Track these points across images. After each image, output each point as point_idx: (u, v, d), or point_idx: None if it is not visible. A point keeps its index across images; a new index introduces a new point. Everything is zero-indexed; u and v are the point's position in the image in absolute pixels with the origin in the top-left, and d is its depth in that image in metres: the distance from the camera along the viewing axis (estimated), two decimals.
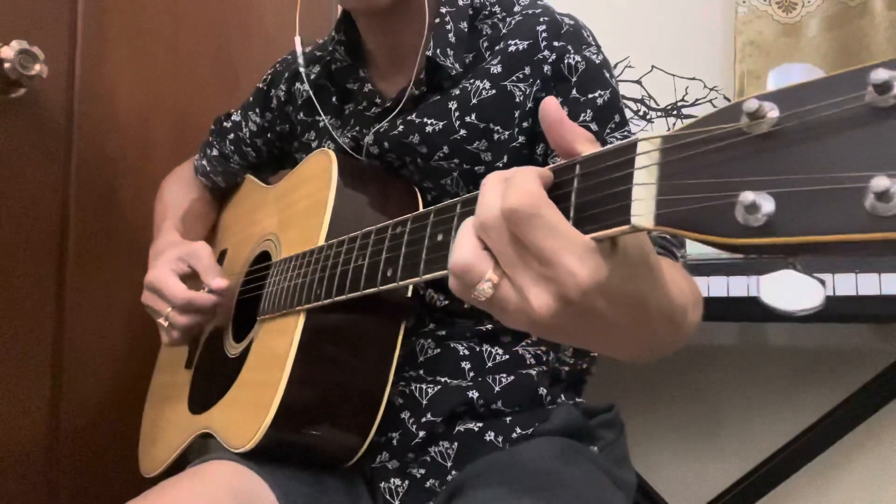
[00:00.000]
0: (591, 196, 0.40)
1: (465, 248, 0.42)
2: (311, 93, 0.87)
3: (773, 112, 0.32)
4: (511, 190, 0.39)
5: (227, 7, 1.36)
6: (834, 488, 1.39)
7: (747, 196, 0.32)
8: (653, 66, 1.51)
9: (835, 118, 0.30)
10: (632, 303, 0.42)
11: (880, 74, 0.28)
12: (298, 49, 0.87)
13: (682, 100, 1.48)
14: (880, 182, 0.28)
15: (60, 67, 1.07)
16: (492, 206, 0.40)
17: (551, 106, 0.42)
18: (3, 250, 1.00)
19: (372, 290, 0.60)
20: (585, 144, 0.42)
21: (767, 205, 0.31)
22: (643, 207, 0.37)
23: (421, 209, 0.77)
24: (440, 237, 0.51)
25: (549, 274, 0.39)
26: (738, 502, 1.37)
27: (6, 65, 0.96)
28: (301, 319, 0.69)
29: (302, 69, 0.87)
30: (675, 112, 1.47)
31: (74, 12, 1.09)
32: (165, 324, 0.83)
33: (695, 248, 1.29)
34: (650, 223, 0.37)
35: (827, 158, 0.30)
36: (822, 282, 0.29)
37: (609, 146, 0.40)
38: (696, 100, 1.47)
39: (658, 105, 1.49)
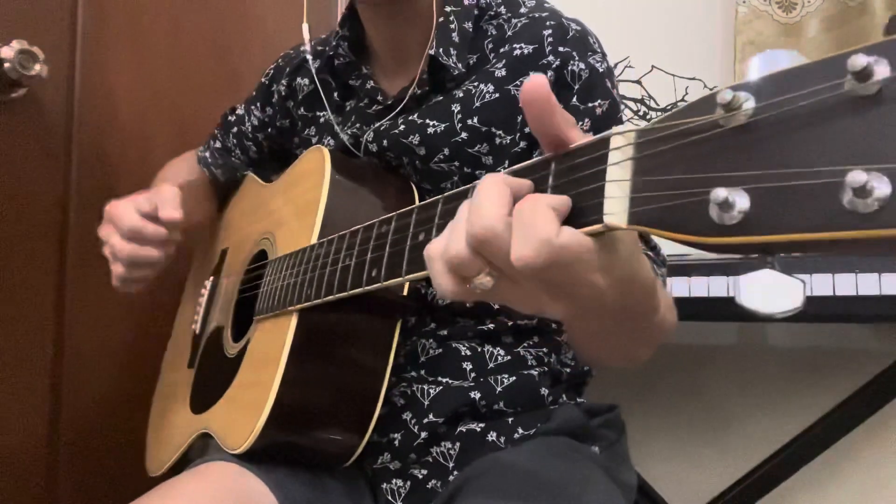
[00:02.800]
0: (567, 193, 0.39)
1: (443, 286, 0.42)
2: (316, 82, 0.87)
3: (748, 103, 0.31)
4: (472, 217, 0.39)
5: (227, 7, 1.36)
6: (834, 488, 1.39)
7: (720, 193, 0.30)
8: (653, 66, 1.51)
9: (812, 108, 0.29)
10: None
11: (859, 60, 0.27)
12: (306, 36, 0.87)
13: (682, 100, 1.48)
14: (857, 177, 0.26)
15: (60, 67, 1.06)
16: (459, 241, 0.40)
17: (540, 83, 0.40)
18: (2, 250, 1.00)
19: (358, 290, 0.59)
20: (575, 131, 0.41)
21: (742, 202, 0.30)
22: (616, 206, 0.36)
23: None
24: (422, 237, 0.50)
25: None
26: (738, 502, 1.37)
27: (6, 65, 0.96)
28: (294, 319, 0.69)
29: (309, 56, 0.86)
30: None
31: (74, 12, 1.09)
32: (108, 253, 0.81)
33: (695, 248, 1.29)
34: (623, 222, 0.35)
35: (804, 151, 0.29)
36: (802, 281, 0.28)
37: (584, 140, 0.39)
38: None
39: (658, 105, 1.49)
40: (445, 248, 0.41)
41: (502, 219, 0.38)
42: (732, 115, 0.31)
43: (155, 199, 0.81)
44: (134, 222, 0.79)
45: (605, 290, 0.40)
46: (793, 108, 0.29)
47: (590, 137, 0.39)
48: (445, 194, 0.49)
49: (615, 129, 0.37)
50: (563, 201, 0.39)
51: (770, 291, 0.32)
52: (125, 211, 0.80)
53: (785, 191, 0.29)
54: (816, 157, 0.28)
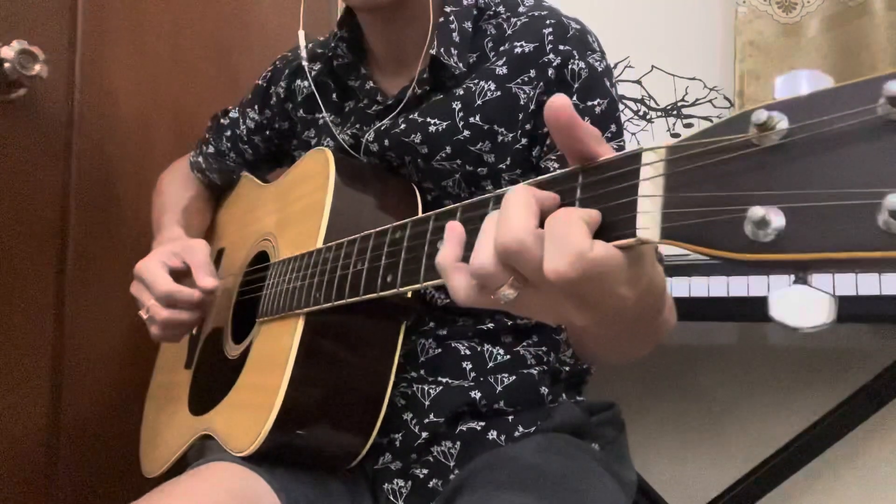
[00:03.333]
0: (596, 206, 0.40)
1: (462, 296, 0.44)
2: (313, 88, 0.87)
3: (782, 123, 0.32)
4: (501, 228, 0.40)
5: (227, 7, 1.36)
6: (834, 488, 1.39)
7: (756, 211, 0.31)
8: (653, 66, 1.51)
9: (846, 130, 0.29)
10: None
11: (894, 87, 0.28)
12: (302, 42, 0.87)
13: (682, 100, 1.48)
14: (895, 200, 0.27)
15: (60, 67, 1.06)
16: (486, 253, 0.41)
17: (563, 105, 0.41)
18: (3, 250, 1.00)
19: (372, 295, 0.59)
20: (602, 145, 0.42)
21: (777, 220, 0.31)
22: (649, 220, 0.36)
23: (420, 210, 0.78)
24: (440, 244, 0.51)
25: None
26: (738, 502, 1.37)
27: (6, 65, 0.96)
28: (301, 322, 0.69)
29: (305, 63, 0.86)
30: (675, 112, 1.47)
31: (74, 12, 1.09)
32: (146, 316, 0.82)
33: None
34: (656, 236, 0.36)
35: (839, 172, 0.30)
36: (834, 296, 0.28)
37: (613, 155, 0.40)
38: (696, 100, 1.47)
39: (658, 105, 1.49)
40: (471, 259, 0.42)
41: (532, 230, 0.39)
42: (766, 134, 0.32)
43: (185, 256, 0.83)
44: (168, 288, 0.80)
45: (630, 301, 0.41)
46: (827, 130, 0.30)
47: (618, 153, 0.40)
48: (464, 203, 0.50)
49: (646, 145, 0.38)
50: (594, 215, 0.39)
51: (801, 306, 0.33)
52: (158, 275, 0.81)
53: (821, 210, 0.30)
54: (852, 178, 0.29)
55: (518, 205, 0.40)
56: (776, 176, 0.32)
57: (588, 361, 0.81)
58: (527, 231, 0.39)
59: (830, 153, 0.30)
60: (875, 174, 0.28)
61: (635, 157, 0.38)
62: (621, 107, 1.52)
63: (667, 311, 0.56)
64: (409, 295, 0.72)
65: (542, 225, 0.40)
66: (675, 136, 1.49)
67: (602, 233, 0.39)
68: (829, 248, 0.29)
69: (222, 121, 1.02)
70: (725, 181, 0.33)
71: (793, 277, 0.33)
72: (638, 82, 1.50)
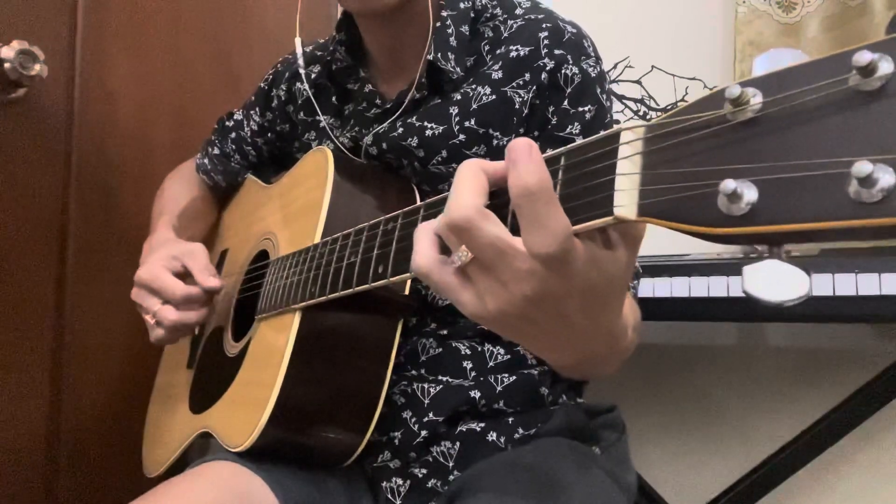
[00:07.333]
0: (576, 187, 0.40)
1: (422, 254, 0.45)
2: (310, 93, 0.87)
3: (756, 98, 0.32)
4: (450, 202, 0.41)
5: (227, 7, 1.36)
6: (833, 488, 1.39)
7: (728, 184, 0.31)
8: (653, 66, 1.51)
9: (818, 103, 0.30)
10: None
11: (864, 56, 0.28)
12: (299, 50, 0.87)
13: (682, 100, 1.48)
14: (863, 167, 0.27)
15: (60, 67, 1.07)
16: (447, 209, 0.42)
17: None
18: (3, 250, 1.00)
19: (364, 287, 0.59)
20: None
21: (750, 193, 0.31)
22: (626, 198, 0.36)
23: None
24: None
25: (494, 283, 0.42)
26: (738, 502, 1.37)
27: (6, 65, 0.96)
28: (297, 318, 0.69)
29: (301, 70, 0.87)
30: None
31: (74, 12, 1.09)
32: (153, 321, 0.82)
33: (695, 248, 1.29)
34: (633, 214, 0.36)
35: (810, 144, 0.30)
36: (808, 271, 0.28)
37: (594, 136, 0.40)
38: None
39: (658, 105, 1.49)
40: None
41: (476, 208, 0.40)
42: (740, 109, 0.32)
43: (184, 260, 0.83)
44: (185, 291, 0.80)
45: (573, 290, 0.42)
46: (799, 103, 0.30)
47: (598, 133, 0.40)
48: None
49: (625, 124, 0.38)
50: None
51: (775, 280, 0.33)
52: (168, 279, 0.81)
53: (792, 182, 0.30)
54: (822, 149, 0.29)
55: (466, 180, 0.42)
56: (749, 149, 0.32)
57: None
58: (472, 209, 0.40)
59: (803, 125, 0.30)
60: (844, 144, 0.29)
61: (614, 136, 0.38)
62: (621, 107, 1.52)
63: (631, 333, 0.56)
64: (406, 292, 0.72)
65: (493, 195, 0.42)
66: None
67: (582, 211, 0.39)
68: (800, 220, 0.29)
69: (227, 123, 1.03)
70: (700, 157, 0.34)
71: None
72: (638, 82, 1.50)
